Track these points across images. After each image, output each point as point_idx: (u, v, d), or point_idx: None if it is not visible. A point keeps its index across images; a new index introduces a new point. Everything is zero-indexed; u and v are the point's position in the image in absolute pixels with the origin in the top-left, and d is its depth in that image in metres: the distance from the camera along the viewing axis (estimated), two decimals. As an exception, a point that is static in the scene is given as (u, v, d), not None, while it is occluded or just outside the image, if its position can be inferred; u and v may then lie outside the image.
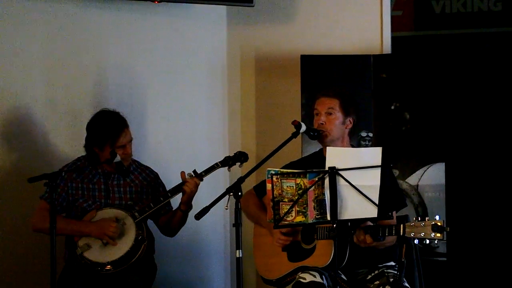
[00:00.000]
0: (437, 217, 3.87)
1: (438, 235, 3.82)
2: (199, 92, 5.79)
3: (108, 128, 4.63)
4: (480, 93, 5.51)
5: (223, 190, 4.05)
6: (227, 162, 4.65)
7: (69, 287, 4.48)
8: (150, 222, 4.77)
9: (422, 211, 5.37)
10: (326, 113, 4.36)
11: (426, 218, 3.88)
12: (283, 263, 4.39)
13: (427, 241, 3.85)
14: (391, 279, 4.17)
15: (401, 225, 3.93)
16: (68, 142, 5.19)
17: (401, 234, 3.92)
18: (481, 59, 5.61)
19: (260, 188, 4.48)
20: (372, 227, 4.05)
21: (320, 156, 4.39)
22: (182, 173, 4.67)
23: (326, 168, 3.87)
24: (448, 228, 3.85)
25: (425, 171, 5.41)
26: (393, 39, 5.71)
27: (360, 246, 4.10)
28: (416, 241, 3.89)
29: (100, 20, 5.37)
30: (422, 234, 3.85)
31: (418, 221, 3.88)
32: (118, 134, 4.62)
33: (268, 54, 5.82)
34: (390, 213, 4.02)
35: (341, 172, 3.85)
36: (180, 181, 4.67)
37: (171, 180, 4.84)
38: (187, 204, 4.65)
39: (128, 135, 4.68)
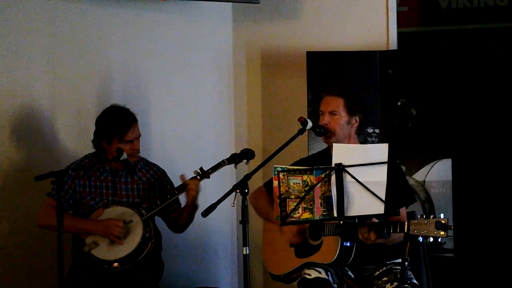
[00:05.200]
0: (441, 215, 3.87)
1: (442, 233, 3.82)
2: (205, 89, 5.79)
3: (117, 122, 4.64)
4: (487, 89, 5.49)
5: (230, 187, 4.05)
6: (234, 159, 4.65)
7: (76, 284, 4.49)
8: (158, 219, 4.77)
9: (429, 207, 5.37)
10: (330, 114, 4.36)
11: (431, 216, 3.88)
12: (290, 258, 4.40)
13: (431, 239, 3.85)
14: (399, 276, 4.17)
15: (406, 223, 3.93)
16: (74, 139, 5.20)
17: (405, 231, 3.92)
18: (488, 55, 5.59)
19: (270, 185, 4.46)
20: (377, 224, 4.05)
21: (327, 153, 4.39)
22: (182, 176, 4.68)
23: (333, 165, 3.87)
24: (452, 226, 3.85)
25: (431, 167, 5.40)
26: (399, 35, 5.70)
27: (366, 243, 4.10)
28: (420, 239, 3.89)
29: (105, 18, 5.38)
30: (426, 232, 3.85)
31: (423, 218, 3.88)
32: (127, 128, 4.64)
33: (274, 51, 5.81)
34: (397, 210, 4.01)
35: (347, 169, 3.85)
36: (187, 178, 4.67)
37: (177, 177, 4.83)
38: (192, 206, 4.66)
39: (137, 130, 4.70)
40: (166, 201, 4.63)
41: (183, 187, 4.65)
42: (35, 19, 5.15)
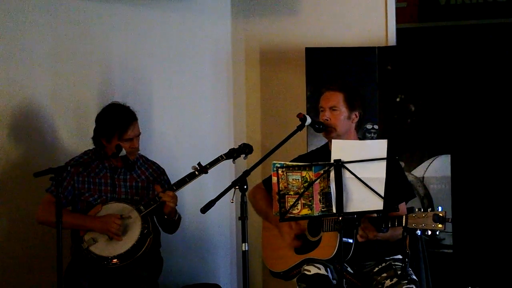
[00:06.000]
0: (439, 208, 3.87)
1: (440, 226, 3.82)
2: (204, 85, 5.79)
3: (117, 120, 4.64)
4: (486, 85, 5.49)
5: (229, 183, 4.05)
6: (232, 154, 4.64)
7: (75, 281, 4.49)
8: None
9: (428, 203, 5.37)
10: (330, 109, 4.36)
11: (429, 209, 3.88)
12: (289, 255, 4.40)
13: (429, 232, 3.85)
14: (399, 272, 4.17)
15: (404, 216, 3.93)
16: (74, 136, 5.20)
17: (403, 225, 3.92)
18: (486, 51, 5.59)
19: (268, 182, 4.45)
20: (375, 218, 4.05)
21: (326, 150, 4.39)
22: (157, 186, 4.67)
23: (332, 161, 3.87)
24: (450, 218, 3.85)
25: (430, 163, 5.40)
26: (398, 31, 5.70)
27: (363, 240, 4.10)
28: (418, 232, 3.89)
29: (105, 14, 5.37)
30: (423, 225, 3.85)
31: (421, 212, 3.88)
32: (126, 126, 4.63)
33: (273, 47, 5.81)
34: (396, 206, 4.01)
35: (346, 165, 3.85)
36: (185, 173, 4.67)
37: (176, 173, 4.84)
38: (169, 215, 4.64)
39: (137, 129, 4.69)
40: (155, 202, 4.61)
41: (159, 198, 4.61)
42: (36, 17, 5.14)
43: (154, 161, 4.89)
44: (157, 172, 4.82)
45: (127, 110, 4.71)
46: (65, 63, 5.23)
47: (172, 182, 4.75)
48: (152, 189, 4.74)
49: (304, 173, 3.92)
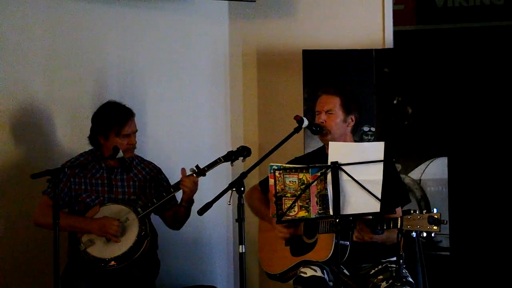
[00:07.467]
0: (434, 210, 3.88)
1: (435, 227, 3.83)
2: (201, 87, 5.79)
3: (114, 115, 4.64)
4: (483, 87, 5.50)
5: (226, 185, 4.05)
6: (230, 157, 4.64)
7: (72, 283, 4.48)
8: (154, 217, 4.77)
9: (425, 205, 5.38)
10: (326, 112, 4.36)
11: (424, 211, 3.89)
12: (286, 257, 4.40)
13: (424, 234, 3.85)
14: (395, 274, 4.18)
15: (399, 218, 3.94)
16: (70, 138, 5.19)
17: (399, 227, 3.92)
18: (484, 53, 5.60)
19: (265, 184, 4.46)
20: (370, 220, 4.05)
21: (323, 152, 4.39)
22: (183, 169, 4.67)
23: (329, 163, 3.87)
24: (445, 220, 3.86)
25: (427, 166, 5.41)
26: (395, 33, 5.71)
27: (359, 242, 4.10)
28: (413, 234, 3.90)
29: (101, 16, 5.37)
30: (419, 227, 3.86)
31: (416, 214, 3.89)
32: (124, 122, 4.64)
33: (270, 49, 5.81)
34: (393, 208, 4.02)
35: (343, 167, 3.85)
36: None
37: (173, 175, 4.84)
38: (187, 202, 4.66)
39: (134, 125, 4.70)
40: (162, 199, 4.63)
41: (178, 184, 4.64)
42: (33, 17, 5.14)
43: (150, 161, 4.89)
44: (154, 171, 4.82)
45: (124, 106, 4.72)
46: (61, 64, 5.23)
47: (170, 183, 4.75)
48: (149, 188, 4.75)
49: (301, 175, 3.92)
